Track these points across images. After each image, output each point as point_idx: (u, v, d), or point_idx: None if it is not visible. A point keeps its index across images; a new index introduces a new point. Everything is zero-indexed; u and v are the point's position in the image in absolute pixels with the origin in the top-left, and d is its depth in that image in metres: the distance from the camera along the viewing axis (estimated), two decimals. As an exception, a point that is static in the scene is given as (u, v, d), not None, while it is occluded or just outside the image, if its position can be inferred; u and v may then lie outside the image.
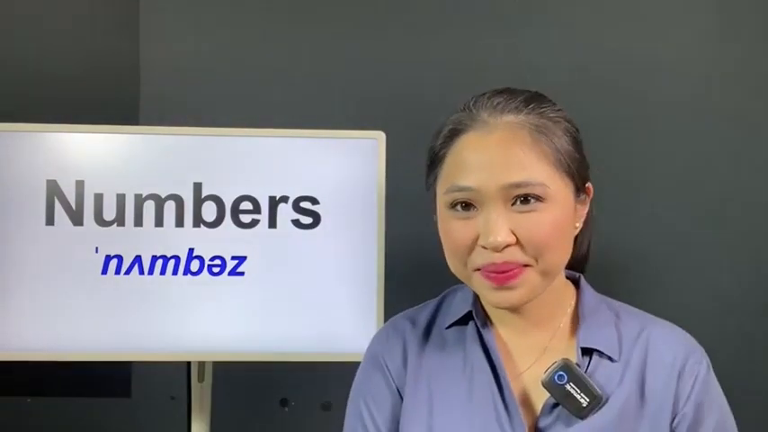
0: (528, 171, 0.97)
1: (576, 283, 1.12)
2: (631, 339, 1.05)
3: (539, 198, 0.97)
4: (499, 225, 0.96)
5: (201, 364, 1.49)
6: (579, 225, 1.05)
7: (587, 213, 1.08)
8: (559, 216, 0.99)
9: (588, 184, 1.06)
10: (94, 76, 1.78)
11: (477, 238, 0.98)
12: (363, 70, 1.79)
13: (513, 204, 0.97)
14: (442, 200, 1.02)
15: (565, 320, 1.08)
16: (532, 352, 1.06)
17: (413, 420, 1.06)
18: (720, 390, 1.06)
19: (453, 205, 1.00)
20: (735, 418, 1.07)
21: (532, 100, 1.02)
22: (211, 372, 1.51)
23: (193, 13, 1.80)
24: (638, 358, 1.04)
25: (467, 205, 0.99)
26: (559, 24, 1.79)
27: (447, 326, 1.10)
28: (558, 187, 0.99)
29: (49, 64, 1.78)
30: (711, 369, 1.06)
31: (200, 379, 1.49)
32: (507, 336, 1.08)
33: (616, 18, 1.79)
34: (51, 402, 1.78)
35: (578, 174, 1.02)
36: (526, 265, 0.98)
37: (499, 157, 0.98)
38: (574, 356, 1.04)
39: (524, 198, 0.97)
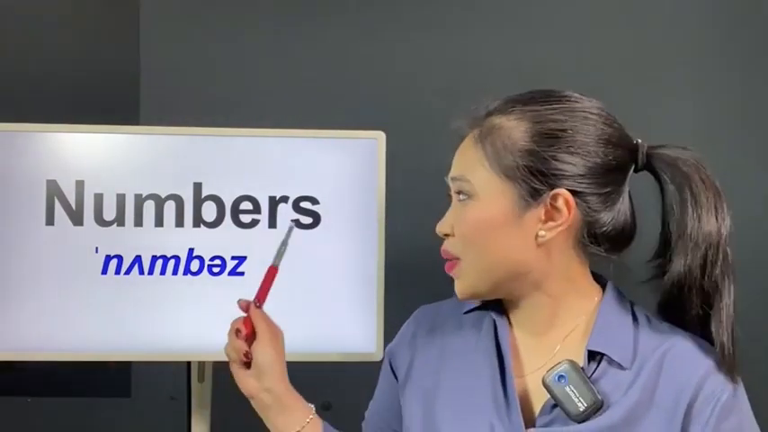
0: (459, 169, 1.06)
1: (604, 286, 1.08)
2: (649, 349, 1.01)
3: (468, 195, 1.03)
4: (445, 216, 1.07)
5: (201, 364, 1.49)
6: (546, 233, 1.00)
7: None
8: (485, 215, 1.02)
9: (559, 191, 0.99)
10: (95, 77, 1.78)
11: None
12: (363, 70, 1.79)
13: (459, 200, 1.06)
14: None
15: (579, 325, 1.04)
16: (542, 354, 1.05)
17: (413, 404, 1.11)
18: (751, 416, 1.01)
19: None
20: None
21: (505, 104, 1.04)
22: (211, 372, 1.50)
23: (193, 14, 1.80)
24: (651, 370, 0.99)
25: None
26: (560, 25, 1.79)
27: (466, 311, 1.12)
28: (486, 187, 1.02)
29: (50, 64, 1.78)
30: (741, 393, 1.00)
31: (201, 379, 1.49)
32: (520, 334, 1.08)
33: (617, 19, 1.79)
34: (51, 402, 1.78)
35: (527, 177, 0.99)
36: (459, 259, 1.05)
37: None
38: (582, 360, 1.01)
39: (458, 192, 1.05)
